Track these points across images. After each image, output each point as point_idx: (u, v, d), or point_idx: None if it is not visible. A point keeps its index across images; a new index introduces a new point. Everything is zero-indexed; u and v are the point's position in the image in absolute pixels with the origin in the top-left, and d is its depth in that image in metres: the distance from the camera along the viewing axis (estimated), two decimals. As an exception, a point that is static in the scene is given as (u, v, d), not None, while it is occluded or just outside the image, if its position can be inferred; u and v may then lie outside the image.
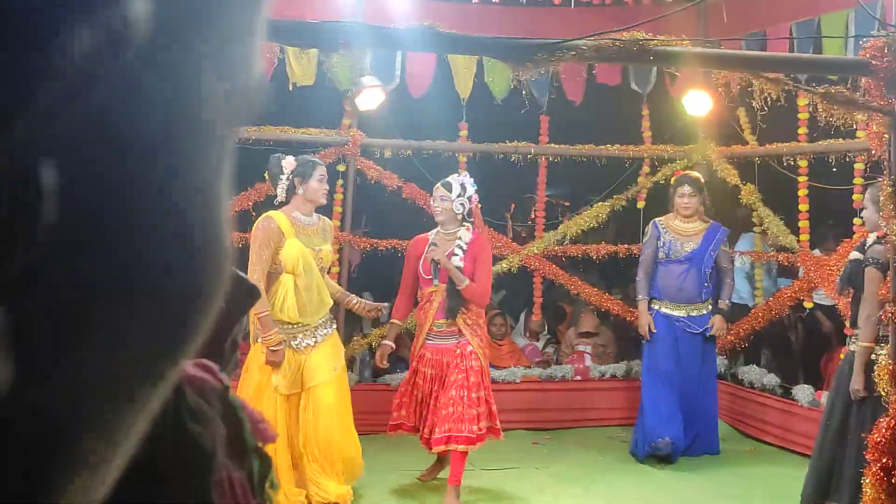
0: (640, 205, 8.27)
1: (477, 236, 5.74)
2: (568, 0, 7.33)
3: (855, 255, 5.53)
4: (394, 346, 5.86)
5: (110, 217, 0.31)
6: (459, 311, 5.58)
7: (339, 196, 7.78)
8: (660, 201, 8.61)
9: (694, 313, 6.93)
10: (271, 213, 5.29)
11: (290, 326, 5.21)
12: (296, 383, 5.20)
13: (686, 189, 6.99)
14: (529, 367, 7.99)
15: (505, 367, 7.75)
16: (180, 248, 0.34)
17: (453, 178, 5.79)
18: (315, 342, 5.25)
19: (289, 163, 5.37)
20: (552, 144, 8.06)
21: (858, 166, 6.77)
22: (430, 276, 5.67)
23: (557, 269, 8.18)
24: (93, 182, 0.30)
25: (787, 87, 4.00)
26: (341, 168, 7.76)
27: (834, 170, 7.14)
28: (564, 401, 7.75)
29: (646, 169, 8.28)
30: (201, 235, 0.35)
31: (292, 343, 5.20)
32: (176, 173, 0.33)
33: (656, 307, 7.01)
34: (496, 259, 7.36)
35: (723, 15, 8.17)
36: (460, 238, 5.64)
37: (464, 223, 5.71)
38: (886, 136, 3.66)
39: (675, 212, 7.10)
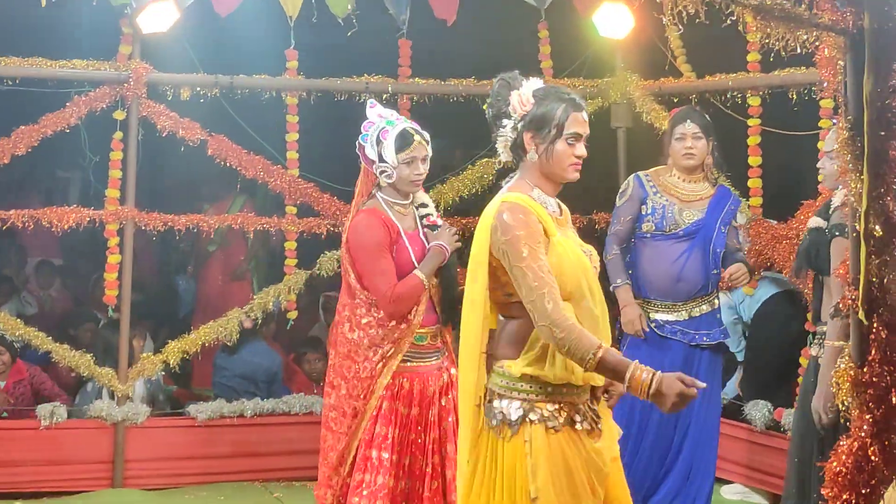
0: (539, 160, 6.72)
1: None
2: None
3: (815, 221, 4.52)
4: None
5: None
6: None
7: (116, 155, 6.34)
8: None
9: (696, 313, 5.02)
10: (516, 198, 3.02)
11: (572, 391, 3.05)
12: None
13: (689, 127, 5.07)
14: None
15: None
16: None
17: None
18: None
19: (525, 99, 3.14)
20: (416, 79, 6.74)
21: (826, 104, 5.78)
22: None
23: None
24: None
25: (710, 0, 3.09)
26: (119, 116, 6.36)
27: (795, 109, 6.17)
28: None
29: (546, 111, 6.73)
30: None
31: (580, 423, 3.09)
32: None
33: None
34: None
35: None
36: (426, 205, 4.37)
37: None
38: (840, 62, 2.95)
39: (669, 164, 5.19)
